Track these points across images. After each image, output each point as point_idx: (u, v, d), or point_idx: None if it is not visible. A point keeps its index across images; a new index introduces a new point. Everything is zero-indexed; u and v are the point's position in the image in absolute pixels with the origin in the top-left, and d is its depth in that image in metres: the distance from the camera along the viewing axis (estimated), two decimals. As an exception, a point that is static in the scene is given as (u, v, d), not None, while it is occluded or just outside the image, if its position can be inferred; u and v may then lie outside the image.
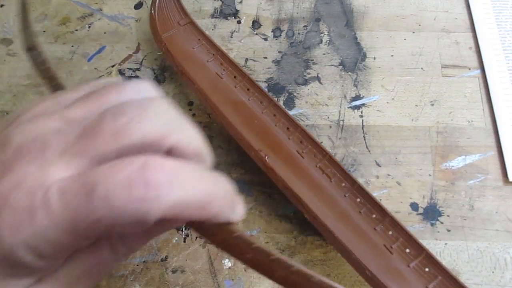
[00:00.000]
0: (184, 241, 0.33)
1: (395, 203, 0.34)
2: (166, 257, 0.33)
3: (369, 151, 0.36)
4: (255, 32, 0.44)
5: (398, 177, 0.35)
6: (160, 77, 0.42)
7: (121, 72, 0.43)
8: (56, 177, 0.16)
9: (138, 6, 0.47)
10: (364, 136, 0.37)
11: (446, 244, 0.32)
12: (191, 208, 0.16)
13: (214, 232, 0.18)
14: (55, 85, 0.24)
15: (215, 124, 0.39)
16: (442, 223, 0.33)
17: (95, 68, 0.43)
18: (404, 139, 0.37)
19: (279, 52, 0.42)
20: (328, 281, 0.17)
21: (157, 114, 0.17)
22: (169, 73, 0.42)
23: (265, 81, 0.41)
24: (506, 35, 0.41)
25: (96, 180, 0.15)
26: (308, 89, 0.40)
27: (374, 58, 0.41)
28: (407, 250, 0.28)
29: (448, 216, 0.33)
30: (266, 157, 0.32)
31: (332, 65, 0.41)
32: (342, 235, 0.29)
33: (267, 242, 0.33)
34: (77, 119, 0.18)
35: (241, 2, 0.46)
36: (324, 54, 0.42)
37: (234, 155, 0.37)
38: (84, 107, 0.18)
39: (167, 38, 0.40)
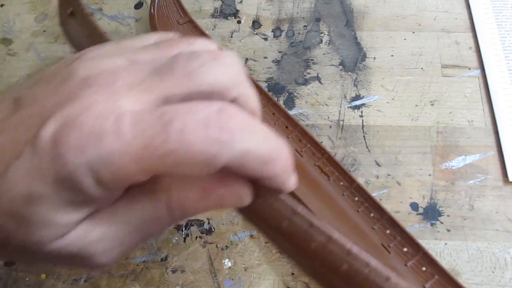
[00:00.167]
0: (184, 241, 0.33)
1: (395, 203, 0.34)
2: (166, 257, 0.33)
3: (369, 151, 0.36)
4: (255, 32, 0.44)
5: (398, 177, 0.35)
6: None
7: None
8: (127, 107, 0.16)
9: (138, 6, 0.47)
10: (364, 136, 0.37)
11: (446, 244, 0.32)
12: (256, 161, 0.16)
13: (262, 194, 0.18)
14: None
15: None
16: (442, 223, 0.33)
17: (95, 68, 0.43)
18: (404, 139, 0.37)
19: (279, 52, 0.42)
20: (366, 256, 0.16)
21: (228, 64, 0.18)
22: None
23: (265, 81, 0.41)
24: (506, 35, 0.41)
25: (173, 116, 0.15)
26: (308, 89, 0.40)
27: (374, 58, 0.41)
28: (405, 249, 0.28)
29: (448, 216, 0.33)
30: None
31: (332, 65, 0.41)
32: (340, 233, 0.29)
33: (267, 242, 0.33)
34: (144, 62, 0.18)
35: (241, 2, 0.46)
36: (324, 54, 0.42)
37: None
38: (152, 53, 0.19)
39: None
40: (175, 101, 0.17)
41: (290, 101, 0.39)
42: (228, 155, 0.15)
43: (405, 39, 0.42)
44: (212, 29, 0.44)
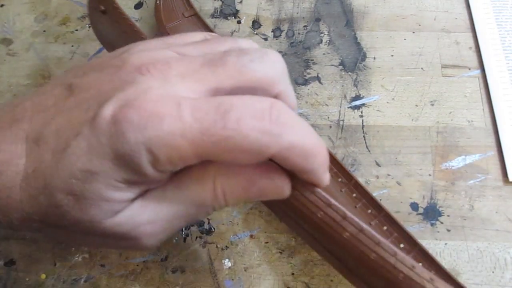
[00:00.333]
0: (184, 241, 0.34)
1: (395, 203, 0.34)
2: (166, 257, 0.33)
3: (369, 151, 0.36)
4: (255, 32, 0.44)
5: (398, 177, 0.35)
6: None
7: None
8: (183, 94, 0.17)
9: (138, 6, 0.47)
10: (364, 136, 0.37)
11: (446, 244, 0.32)
12: (300, 155, 0.17)
13: (298, 187, 0.19)
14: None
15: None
16: (442, 223, 0.33)
17: (95, 68, 0.43)
18: (404, 139, 0.37)
19: (279, 52, 0.42)
20: (393, 247, 0.18)
21: (273, 61, 0.19)
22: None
23: (265, 81, 0.41)
24: (506, 35, 0.41)
25: (230, 107, 0.16)
26: (308, 89, 0.40)
27: (374, 58, 0.41)
28: (401, 245, 0.29)
29: (448, 216, 0.33)
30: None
31: (332, 65, 0.41)
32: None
33: (267, 242, 0.33)
34: (195, 55, 0.19)
35: (241, 2, 0.46)
36: (324, 54, 0.42)
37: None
38: (202, 48, 0.20)
39: (171, 28, 0.40)
40: (223, 92, 0.18)
41: (290, 101, 0.39)
42: (277, 147, 0.16)
43: (405, 39, 0.42)
44: (212, 29, 0.44)
